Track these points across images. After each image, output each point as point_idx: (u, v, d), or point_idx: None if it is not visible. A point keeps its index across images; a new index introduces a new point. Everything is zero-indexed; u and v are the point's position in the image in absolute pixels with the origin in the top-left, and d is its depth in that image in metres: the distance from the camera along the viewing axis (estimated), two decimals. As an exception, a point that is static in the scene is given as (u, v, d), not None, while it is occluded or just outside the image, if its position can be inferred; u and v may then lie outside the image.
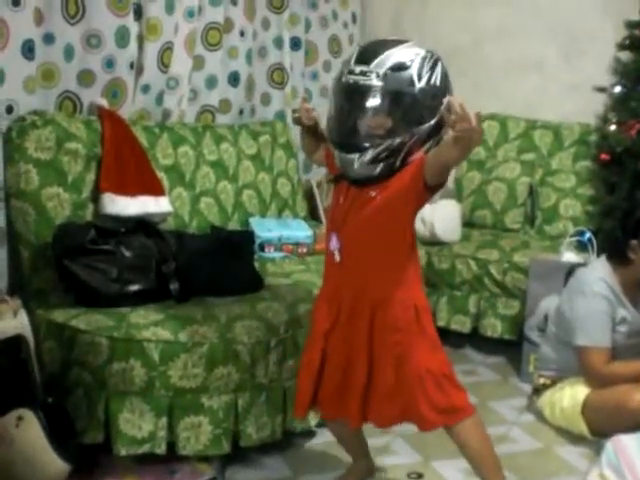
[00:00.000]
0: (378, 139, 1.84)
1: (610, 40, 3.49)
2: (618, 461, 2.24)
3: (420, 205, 1.93)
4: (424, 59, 1.85)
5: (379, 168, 1.87)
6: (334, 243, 1.96)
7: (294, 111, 2.12)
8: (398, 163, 1.87)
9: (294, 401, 2.14)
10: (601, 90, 3.48)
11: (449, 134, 1.77)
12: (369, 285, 1.95)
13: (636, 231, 2.55)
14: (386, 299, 1.93)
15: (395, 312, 1.93)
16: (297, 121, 2.06)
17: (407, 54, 1.85)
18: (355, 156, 1.86)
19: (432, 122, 1.85)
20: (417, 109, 1.83)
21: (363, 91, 1.83)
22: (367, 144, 1.85)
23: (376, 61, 1.83)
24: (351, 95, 1.86)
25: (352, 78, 1.85)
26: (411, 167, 1.86)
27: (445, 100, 1.80)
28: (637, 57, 3.35)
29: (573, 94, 3.74)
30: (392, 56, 1.83)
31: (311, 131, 2.07)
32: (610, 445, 2.30)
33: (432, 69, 1.85)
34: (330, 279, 2.05)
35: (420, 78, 1.83)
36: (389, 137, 1.83)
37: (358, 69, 1.84)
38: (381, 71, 1.82)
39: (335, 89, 1.91)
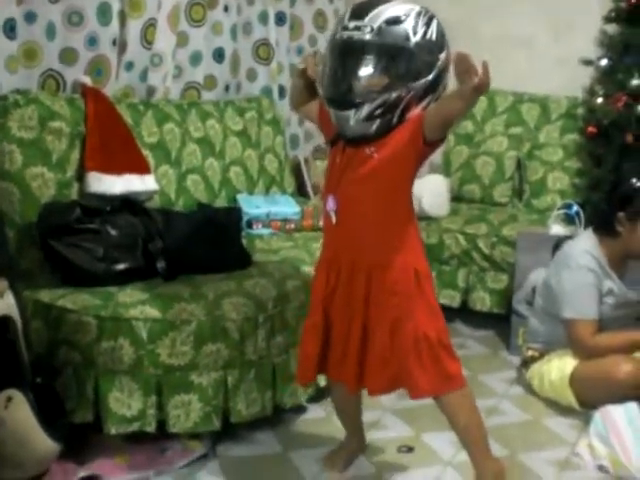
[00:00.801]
0: (374, 94, 1.82)
1: (597, 13, 3.47)
2: (606, 431, 2.26)
3: (419, 163, 1.90)
4: (419, 14, 1.84)
5: (375, 125, 1.85)
6: (330, 205, 1.94)
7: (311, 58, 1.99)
8: (395, 119, 1.84)
9: (297, 369, 2.13)
10: (588, 63, 3.47)
11: (453, 87, 1.75)
12: (366, 247, 1.93)
13: (623, 203, 2.56)
14: (384, 262, 1.91)
15: (394, 275, 1.90)
16: (301, 73, 2.01)
17: (401, 9, 1.83)
18: (351, 112, 1.84)
19: (429, 78, 1.83)
20: (413, 64, 1.81)
21: (358, 46, 1.82)
22: (362, 100, 1.82)
23: (370, 15, 1.81)
24: (346, 51, 1.84)
25: (346, 34, 1.83)
26: (409, 124, 1.84)
27: (442, 56, 1.79)
28: (623, 29, 3.34)
29: (561, 67, 3.74)
30: (386, 11, 1.81)
31: (307, 85, 2.03)
32: (598, 416, 2.32)
33: (427, 24, 1.84)
34: (329, 243, 2.03)
35: (415, 32, 1.81)
36: (385, 92, 1.81)
37: (352, 24, 1.82)
38: (375, 25, 1.80)
39: (329, 47, 1.89)
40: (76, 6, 2.70)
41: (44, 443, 1.99)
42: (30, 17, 2.58)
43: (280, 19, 3.72)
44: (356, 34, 1.81)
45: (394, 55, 1.81)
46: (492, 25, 3.91)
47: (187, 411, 2.15)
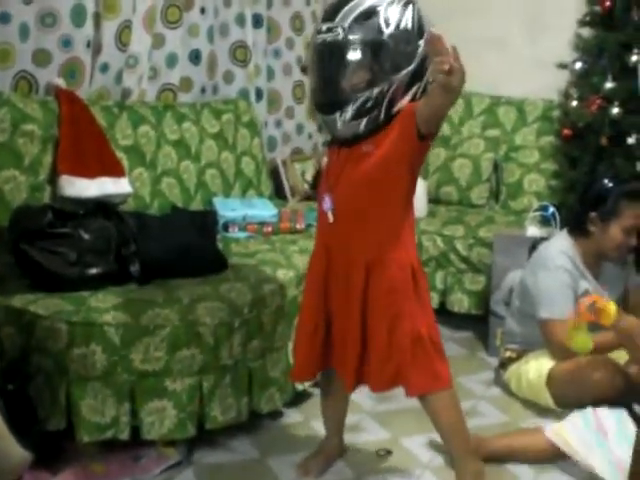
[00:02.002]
0: (356, 94, 1.80)
1: (572, 16, 3.48)
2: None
3: (416, 160, 1.88)
4: (390, 4, 1.80)
5: (363, 124, 1.83)
6: (327, 204, 1.93)
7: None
8: (382, 115, 1.83)
9: (294, 365, 2.14)
10: (563, 66, 3.49)
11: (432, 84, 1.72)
12: (363, 245, 1.91)
13: (595, 204, 2.58)
14: (382, 259, 1.90)
15: (392, 273, 1.90)
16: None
17: (372, 2, 1.79)
18: (336, 116, 1.83)
19: (411, 68, 1.81)
20: (390, 56, 1.79)
21: (331, 48, 1.80)
22: (345, 101, 1.81)
23: (340, 14, 1.79)
24: (322, 54, 1.83)
25: (320, 37, 1.82)
26: (400, 118, 1.82)
27: (422, 43, 1.77)
28: (598, 33, 3.35)
29: (537, 70, 3.74)
30: (357, 7, 1.79)
31: None
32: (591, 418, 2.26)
33: (401, 13, 1.80)
34: (323, 241, 2.01)
35: (388, 24, 1.78)
36: (366, 89, 1.80)
37: (325, 27, 1.81)
38: (346, 24, 1.78)
39: (310, 53, 1.88)
40: (50, 7, 2.67)
41: (16, 451, 1.95)
42: (4, 18, 2.55)
43: (257, 21, 3.70)
44: (328, 36, 1.80)
45: (368, 51, 1.79)
46: (467, 27, 3.91)
47: (161, 417, 2.12)
